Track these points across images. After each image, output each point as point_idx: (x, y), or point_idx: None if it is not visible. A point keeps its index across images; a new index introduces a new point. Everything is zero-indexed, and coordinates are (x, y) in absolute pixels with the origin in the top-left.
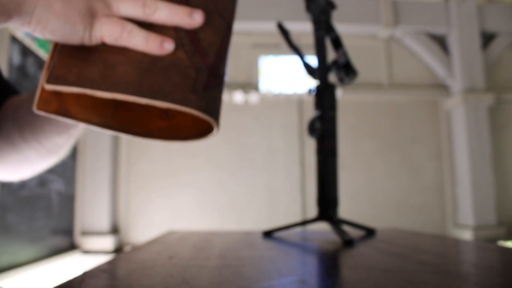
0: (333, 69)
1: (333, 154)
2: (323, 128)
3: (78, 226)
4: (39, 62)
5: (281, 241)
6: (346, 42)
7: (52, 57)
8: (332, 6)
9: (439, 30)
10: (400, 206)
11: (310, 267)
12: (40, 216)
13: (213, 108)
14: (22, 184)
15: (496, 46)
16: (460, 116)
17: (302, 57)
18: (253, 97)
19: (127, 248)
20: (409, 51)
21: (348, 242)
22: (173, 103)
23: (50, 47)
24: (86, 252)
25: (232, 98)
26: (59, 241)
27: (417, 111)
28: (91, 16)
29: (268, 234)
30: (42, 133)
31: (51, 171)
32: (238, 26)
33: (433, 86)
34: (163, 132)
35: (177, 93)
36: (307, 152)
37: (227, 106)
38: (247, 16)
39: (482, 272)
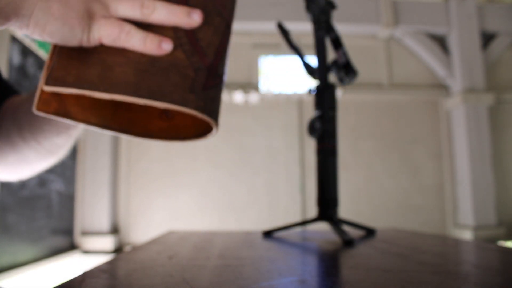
0: (333, 69)
1: (333, 154)
2: (323, 128)
3: (78, 226)
4: (39, 62)
5: (281, 241)
6: (346, 42)
7: (51, 58)
8: (332, 6)
9: (439, 30)
10: (400, 206)
11: (310, 267)
12: (40, 216)
13: (212, 108)
14: (22, 184)
15: (496, 46)
16: (460, 116)
17: (302, 57)
18: (253, 97)
19: (127, 248)
20: (409, 51)
21: (348, 242)
22: (172, 103)
23: (50, 47)
24: (86, 252)
25: (232, 98)
26: (59, 241)
27: (417, 111)
28: (89, 17)
29: (268, 234)
30: (41, 133)
31: (51, 171)
32: (238, 26)
33: (433, 86)
34: (163, 132)
35: (175, 93)
36: (307, 152)
37: (227, 106)
38: (247, 16)
39: (482, 272)
